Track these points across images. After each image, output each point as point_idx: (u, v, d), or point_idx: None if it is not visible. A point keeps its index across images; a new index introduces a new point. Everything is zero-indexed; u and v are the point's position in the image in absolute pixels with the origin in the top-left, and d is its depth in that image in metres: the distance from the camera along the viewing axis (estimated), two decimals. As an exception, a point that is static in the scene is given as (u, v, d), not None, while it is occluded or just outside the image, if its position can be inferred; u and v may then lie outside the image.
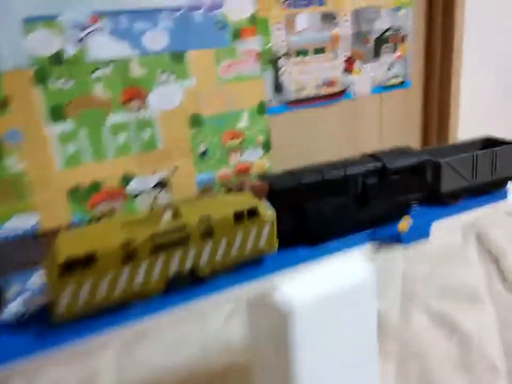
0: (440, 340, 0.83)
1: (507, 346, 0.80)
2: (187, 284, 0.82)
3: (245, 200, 0.87)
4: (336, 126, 1.40)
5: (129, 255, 0.74)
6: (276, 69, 1.24)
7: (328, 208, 0.92)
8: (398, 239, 0.81)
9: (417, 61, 1.59)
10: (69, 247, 0.73)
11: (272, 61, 1.22)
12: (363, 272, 0.56)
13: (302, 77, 1.29)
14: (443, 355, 0.79)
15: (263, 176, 1.03)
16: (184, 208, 0.86)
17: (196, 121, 1.12)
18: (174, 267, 0.80)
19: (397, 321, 0.91)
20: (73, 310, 0.73)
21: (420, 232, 0.81)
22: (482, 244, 1.16)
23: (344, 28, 1.33)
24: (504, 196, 0.78)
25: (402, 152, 1.05)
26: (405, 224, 0.78)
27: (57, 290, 0.71)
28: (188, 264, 0.81)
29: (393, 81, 1.53)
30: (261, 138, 1.23)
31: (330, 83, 1.35)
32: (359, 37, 1.39)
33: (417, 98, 1.61)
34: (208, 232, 0.81)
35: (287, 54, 1.25)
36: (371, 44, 1.43)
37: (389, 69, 1.51)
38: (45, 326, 0.74)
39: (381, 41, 1.46)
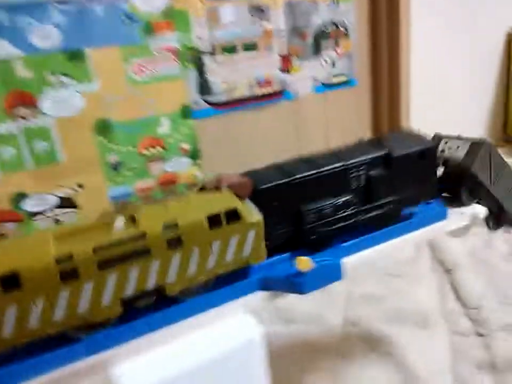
0: (380, 375, 0.71)
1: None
2: (151, 305, 0.62)
3: (222, 200, 0.67)
4: (276, 130, 1.27)
5: (67, 274, 0.57)
6: (201, 68, 1.11)
7: (329, 208, 0.70)
8: (296, 285, 0.57)
9: (363, 58, 1.48)
10: None
11: (195, 59, 1.09)
12: (248, 334, 0.44)
13: (232, 76, 1.16)
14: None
15: (245, 172, 0.74)
16: (141, 212, 0.65)
17: (103, 128, 0.97)
18: (132, 286, 0.62)
19: (338, 346, 0.79)
20: None
21: (329, 273, 0.58)
22: (436, 255, 1.05)
23: (277, 22, 1.21)
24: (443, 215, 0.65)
25: (403, 136, 0.82)
26: (306, 262, 0.57)
27: None
28: (151, 281, 0.63)
29: (338, 79, 1.42)
30: (186, 145, 1.09)
31: (265, 82, 1.23)
32: (295, 32, 1.27)
33: (366, 97, 1.50)
34: (174, 242, 0.63)
35: (212, 51, 1.12)
36: (310, 40, 1.32)
37: (332, 67, 1.39)
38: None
39: (320, 36, 1.35)
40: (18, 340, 0.57)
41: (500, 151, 1.68)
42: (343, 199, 0.69)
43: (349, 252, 0.61)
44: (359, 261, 0.59)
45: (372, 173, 0.70)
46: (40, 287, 0.56)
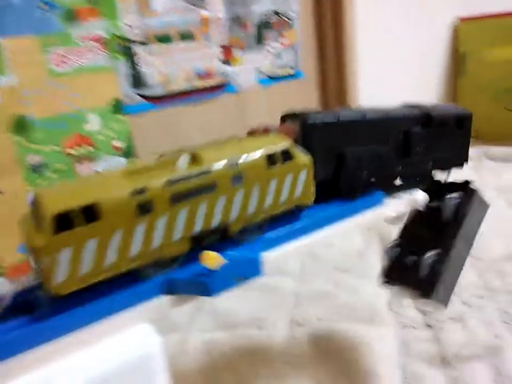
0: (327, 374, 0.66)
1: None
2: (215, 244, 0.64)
3: (275, 142, 0.71)
4: (218, 124, 1.21)
5: (142, 207, 0.58)
6: (132, 59, 1.03)
7: (370, 155, 0.71)
8: (202, 285, 0.50)
9: (309, 49, 1.44)
10: (59, 201, 0.54)
11: (125, 49, 1.01)
12: (144, 347, 0.38)
13: (168, 68, 1.09)
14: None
15: (291, 114, 0.77)
16: (202, 151, 0.67)
17: (21, 126, 0.88)
18: (199, 223, 0.63)
19: (284, 349, 0.73)
20: (73, 282, 0.54)
21: (244, 269, 0.51)
22: (384, 246, 1.02)
23: (215, 10, 1.15)
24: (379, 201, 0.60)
25: (444, 105, 0.87)
26: (215, 257, 0.50)
27: (51, 256, 0.52)
28: (216, 219, 0.64)
29: (283, 71, 1.37)
30: (119, 143, 1.01)
31: (206, 75, 1.16)
32: (236, 21, 1.22)
33: (312, 89, 1.46)
34: (237, 179, 0.66)
35: (144, 41, 1.04)
36: (252, 30, 1.26)
37: (277, 58, 1.35)
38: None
39: (263, 27, 1.30)
40: (96, 276, 0.56)
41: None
42: (382, 149, 0.71)
43: (276, 242, 0.54)
44: (288, 253, 0.53)
45: (412, 129, 0.73)
46: (118, 219, 0.57)
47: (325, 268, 0.97)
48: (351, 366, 0.69)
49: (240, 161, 0.66)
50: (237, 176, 0.66)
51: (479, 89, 1.71)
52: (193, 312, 0.87)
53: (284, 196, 0.70)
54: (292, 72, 1.40)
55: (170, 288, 0.49)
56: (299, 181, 0.71)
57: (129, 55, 1.02)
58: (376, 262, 0.97)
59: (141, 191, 0.58)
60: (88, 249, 0.54)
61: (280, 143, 0.71)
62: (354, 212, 0.58)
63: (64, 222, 0.52)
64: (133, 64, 1.03)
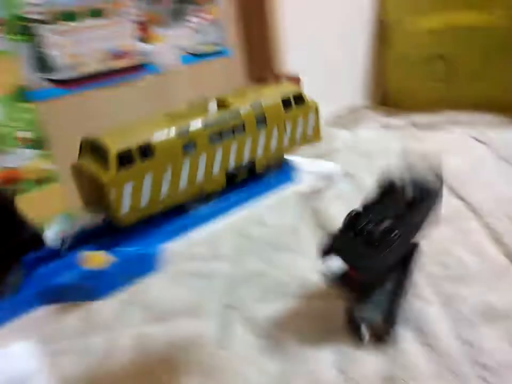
0: (262, 358, 0.65)
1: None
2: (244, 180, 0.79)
3: (287, 88, 0.84)
4: (141, 108, 1.15)
5: (187, 146, 0.69)
6: (36, 41, 0.94)
7: None
8: (87, 289, 0.46)
9: (234, 25, 1.40)
10: (119, 142, 0.64)
11: (27, 30, 0.92)
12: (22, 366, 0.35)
13: (78, 48, 1.01)
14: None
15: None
16: (229, 98, 0.80)
17: None
18: (232, 160, 0.75)
19: (219, 336, 0.71)
20: (136, 213, 0.64)
21: (136, 266, 0.49)
22: (318, 221, 1.02)
23: (126, -15, 1.08)
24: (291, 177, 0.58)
25: None
26: (99, 257, 0.47)
27: (118, 189, 0.60)
28: (246, 156, 0.77)
29: (208, 49, 1.32)
30: (26, 134, 0.93)
31: (122, 55, 1.09)
32: (151, -4, 1.15)
33: (239, 67, 1.43)
34: (261, 120, 0.77)
35: (49, 20, 0.95)
36: (170, 5, 1.20)
37: (199, 35, 1.29)
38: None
39: (182, 1, 1.23)
40: (154, 207, 0.66)
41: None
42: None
43: (188, 228, 0.52)
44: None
45: None
46: (168, 157, 0.66)
47: (258, 247, 0.95)
48: (288, 342, 0.68)
49: (262, 104, 0.76)
50: (260, 117, 0.77)
51: (403, 59, 1.75)
52: (120, 306, 0.82)
53: (298, 135, 0.83)
54: (216, 49, 1.35)
55: (51, 297, 0.45)
56: (309, 122, 0.84)
57: (32, 36, 0.93)
58: (310, 236, 0.96)
59: (184, 132, 0.67)
60: (146, 183, 0.63)
61: (292, 89, 0.84)
62: (268, 190, 0.57)
63: (125, 159, 0.60)
64: (37, 47, 0.94)
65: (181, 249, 0.97)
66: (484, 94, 1.54)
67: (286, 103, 0.81)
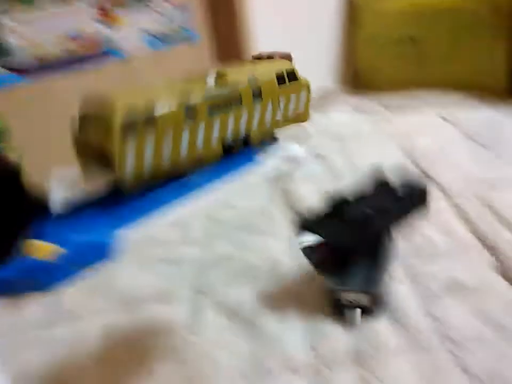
0: (234, 341, 0.64)
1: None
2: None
3: (281, 65, 0.88)
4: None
5: (188, 114, 0.72)
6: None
7: None
8: (34, 282, 0.42)
9: (201, 9, 1.37)
10: (124, 107, 0.68)
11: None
12: None
13: (35, 33, 0.97)
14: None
15: None
16: (227, 71, 0.83)
17: None
18: (229, 131, 0.78)
19: (190, 321, 0.70)
20: (140, 172, 0.69)
21: (88, 255, 0.44)
22: (288, 202, 1.02)
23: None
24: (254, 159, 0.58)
25: None
26: (45, 247, 0.44)
27: (121, 152, 0.65)
28: (242, 129, 0.80)
29: (174, 33, 1.29)
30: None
31: (82, 39, 1.05)
32: (112, -22, 1.11)
33: (207, 51, 1.40)
34: (257, 93, 0.80)
35: (4, 5, 0.91)
36: (133, -13, 1.16)
37: (165, 19, 1.26)
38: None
39: (146, -17, 1.20)
40: (155, 174, 0.70)
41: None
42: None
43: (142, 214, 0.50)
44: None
45: None
46: (169, 125, 0.69)
47: (228, 230, 0.94)
48: (259, 324, 0.67)
49: (259, 78, 0.80)
50: (257, 91, 0.80)
51: (373, 40, 1.75)
52: (86, 295, 0.81)
53: (290, 111, 0.88)
54: (183, 33, 1.32)
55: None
56: (301, 99, 0.89)
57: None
58: (280, 218, 0.96)
59: (185, 103, 0.70)
60: (148, 149, 0.66)
61: (286, 66, 0.88)
62: (231, 172, 0.56)
63: (128, 127, 0.63)
64: (-8, 31, 0.90)
65: (147, 234, 0.96)
66: (453, 75, 1.55)
67: (279, 79, 0.86)
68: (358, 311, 0.64)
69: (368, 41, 1.76)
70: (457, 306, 0.64)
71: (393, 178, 0.71)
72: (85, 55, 1.05)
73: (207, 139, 0.75)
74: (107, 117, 0.67)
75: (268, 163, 0.59)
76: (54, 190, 0.76)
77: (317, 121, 1.48)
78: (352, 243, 0.65)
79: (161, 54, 1.25)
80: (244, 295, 0.74)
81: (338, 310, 0.66)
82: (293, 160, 0.60)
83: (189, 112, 0.71)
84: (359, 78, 1.85)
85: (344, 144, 1.27)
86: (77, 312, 0.77)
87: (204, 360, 0.63)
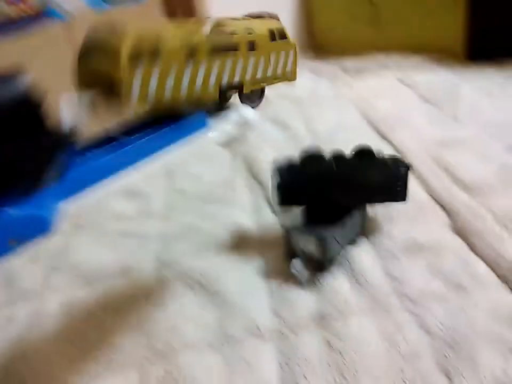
0: (199, 312, 0.64)
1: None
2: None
3: (274, 22, 0.95)
4: (48, 59, 1.03)
5: (190, 54, 0.75)
6: None
7: None
8: None
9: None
10: (133, 41, 0.71)
11: None
12: None
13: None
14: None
15: None
16: (225, 21, 0.89)
17: None
18: (226, 76, 0.82)
19: (154, 294, 0.69)
20: (143, 103, 0.73)
21: (21, 231, 0.40)
22: (251, 171, 1.01)
23: None
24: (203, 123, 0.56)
25: None
26: None
27: (128, 80, 0.68)
28: (237, 76, 0.85)
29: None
30: None
31: (20, 3, 0.97)
32: None
33: (157, 13, 1.32)
34: (251, 45, 0.86)
35: None
36: None
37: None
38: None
39: None
40: (159, 102, 0.73)
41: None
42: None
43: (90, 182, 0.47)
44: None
45: None
46: (174, 59, 0.73)
47: (191, 203, 0.93)
48: (224, 293, 0.67)
49: (253, 31, 0.86)
50: (252, 43, 0.85)
51: (330, 2, 1.72)
52: (46, 274, 0.78)
53: (280, 69, 0.96)
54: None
55: None
56: (289, 58, 0.98)
57: None
58: (243, 189, 0.95)
59: (188, 42, 0.75)
60: (153, 79, 0.71)
61: (277, 25, 0.95)
62: (180, 137, 0.54)
63: (135, 58, 0.68)
64: None
65: (104, 208, 0.93)
66: (411, 38, 1.55)
67: (271, 35, 0.91)
68: (301, 259, 0.66)
69: (324, 2, 1.73)
70: (415, 266, 0.66)
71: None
72: (21, 18, 0.97)
73: (206, 80, 0.79)
74: (116, 46, 0.70)
75: (220, 127, 0.57)
76: (64, 114, 0.75)
77: (275, 85, 1.46)
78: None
79: (107, 14, 1.18)
80: (208, 265, 0.73)
81: (290, 258, 0.68)
82: (246, 124, 0.59)
83: (191, 51, 0.75)
84: (317, 41, 1.83)
85: (303, 108, 1.26)
86: (37, 289, 0.74)
87: (169, 332, 0.62)
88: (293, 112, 1.24)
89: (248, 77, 0.88)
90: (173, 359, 0.58)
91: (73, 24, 1.08)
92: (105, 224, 0.89)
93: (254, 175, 0.98)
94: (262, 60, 0.89)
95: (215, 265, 0.73)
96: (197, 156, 1.07)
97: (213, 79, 0.81)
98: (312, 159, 0.72)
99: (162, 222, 0.88)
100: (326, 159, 0.72)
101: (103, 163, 0.44)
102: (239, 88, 0.89)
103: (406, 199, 0.72)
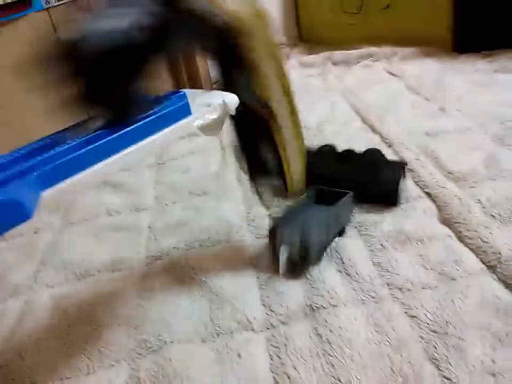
0: (188, 305, 0.64)
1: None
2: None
3: None
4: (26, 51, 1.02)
5: None
6: None
7: None
8: None
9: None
10: None
11: None
12: None
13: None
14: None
15: None
16: None
17: None
18: None
19: (142, 287, 0.69)
20: None
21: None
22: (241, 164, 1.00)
23: None
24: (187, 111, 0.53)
25: None
26: None
27: None
28: None
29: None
30: None
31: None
32: None
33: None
34: None
35: None
36: None
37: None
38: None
39: None
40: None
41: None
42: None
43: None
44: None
45: None
46: None
47: (181, 195, 0.92)
48: (215, 286, 0.67)
49: None
50: None
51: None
52: (37, 268, 0.77)
53: None
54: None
55: None
56: None
57: None
58: (233, 180, 0.95)
59: None
60: None
61: None
62: (163, 125, 0.50)
63: None
64: None
65: (89, 199, 0.93)
66: (397, 27, 1.55)
67: None
68: (284, 251, 0.65)
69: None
70: (403, 256, 0.66)
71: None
72: (4, 7, 0.95)
73: None
74: None
75: (198, 112, 0.53)
76: None
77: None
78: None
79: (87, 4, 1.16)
80: (198, 258, 0.73)
81: (274, 252, 0.68)
82: (225, 109, 0.56)
83: None
84: (305, 34, 1.82)
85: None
86: (28, 284, 0.74)
87: (160, 325, 0.62)
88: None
89: None
90: (164, 353, 0.58)
91: (53, 14, 1.06)
92: (94, 218, 0.89)
93: (243, 166, 0.97)
94: None
95: (205, 259, 0.73)
96: (183, 146, 1.07)
97: None
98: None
99: (152, 215, 0.88)
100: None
101: (85, 152, 0.41)
102: None
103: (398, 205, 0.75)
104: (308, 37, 1.81)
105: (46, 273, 0.77)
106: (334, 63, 1.51)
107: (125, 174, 1.05)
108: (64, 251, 0.81)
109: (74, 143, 0.43)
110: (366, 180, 0.77)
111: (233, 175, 0.97)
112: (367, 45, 1.56)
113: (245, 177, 0.95)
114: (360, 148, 0.86)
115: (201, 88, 1.25)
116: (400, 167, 0.80)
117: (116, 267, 0.75)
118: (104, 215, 0.90)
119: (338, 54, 1.53)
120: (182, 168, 1.03)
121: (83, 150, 0.42)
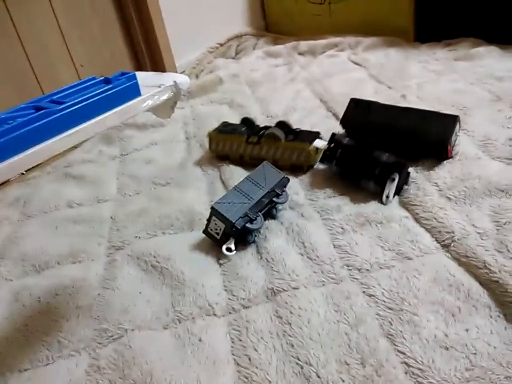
0: (151, 292, 0.64)
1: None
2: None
3: None
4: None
5: None
6: None
7: None
8: None
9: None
10: None
11: None
12: None
13: None
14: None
15: None
16: None
17: None
18: None
19: (105, 278, 0.68)
20: None
21: None
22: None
23: None
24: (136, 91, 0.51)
25: None
26: None
27: None
28: None
29: None
30: None
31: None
32: None
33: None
34: None
35: None
36: None
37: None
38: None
39: None
40: None
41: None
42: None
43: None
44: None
45: None
46: None
47: (144, 186, 0.91)
48: (173, 274, 0.67)
49: None
50: None
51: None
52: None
53: None
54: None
55: None
56: None
57: None
58: (197, 170, 0.94)
59: None
60: None
61: None
62: (111, 105, 0.48)
63: None
64: None
65: (47, 191, 0.91)
66: (362, 18, 1.57)
67: None
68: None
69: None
70: (362, 238, 0.68)
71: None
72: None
73: None
74: None
75: (148, 93, 0.52)
76: None
77: (229, 66, 1.45)
78: None
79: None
80: (160, 246, 0.73)
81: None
82: (177, 90, 0.54)
83: None
84: (270, 24, 1.82)
85: (258, 90, 1.26)
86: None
87: (120, 313, 0.62)
88: (247, 94, 1.24)
89: None
90: (124, 341, 0.57)
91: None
92: (55, 210, 0.87)
93: (206, 150, 0.97)
94: None
95: (167, 246, 0.72)
96: (147, 137, 1.06)
97: None
98: None
99: (114, 206, 0.87)
100: None
101: (31, 129, 0.39)
102: None
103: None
104: (274, 27, 1.81)
105: (5, 267, 0.75)
106: (300, 53, 1.52)
107: (87, 166, 1.03)
108: (23, 244, 0.79)
109: (21, 120, 0.41)
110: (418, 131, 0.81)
111: (198, 165, 0.97)
112: (332, 35, 1.57)
113: (209, 168, 0.95)
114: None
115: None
116: (452, 120, 0.82)
117: (76, 259, 0.74)
118: (65, 207, 0.88)
119: (304, 44, 1.53)
120: (145, 159, 1.02)
121: (30, 127, 0.41)
